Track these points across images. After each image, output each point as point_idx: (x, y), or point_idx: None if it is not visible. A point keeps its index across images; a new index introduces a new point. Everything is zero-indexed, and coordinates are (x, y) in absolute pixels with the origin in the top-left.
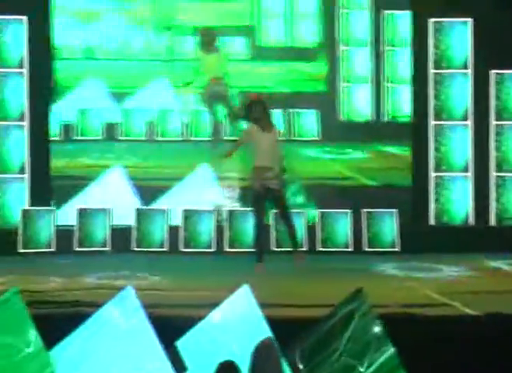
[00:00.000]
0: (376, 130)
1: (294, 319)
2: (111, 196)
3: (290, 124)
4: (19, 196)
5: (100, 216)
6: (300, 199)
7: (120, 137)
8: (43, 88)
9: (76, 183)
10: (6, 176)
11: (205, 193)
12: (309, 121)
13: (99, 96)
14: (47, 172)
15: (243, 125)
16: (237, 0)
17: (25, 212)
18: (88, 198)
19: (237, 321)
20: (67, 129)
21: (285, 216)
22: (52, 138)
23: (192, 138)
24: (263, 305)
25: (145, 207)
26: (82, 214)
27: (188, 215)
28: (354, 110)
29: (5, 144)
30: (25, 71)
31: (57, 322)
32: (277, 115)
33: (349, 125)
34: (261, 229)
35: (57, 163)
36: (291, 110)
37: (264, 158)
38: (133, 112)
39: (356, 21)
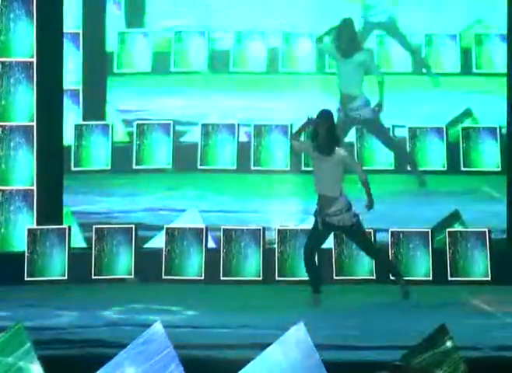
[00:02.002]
0: None
1: (359, 364)
2: None
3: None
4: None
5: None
6: None
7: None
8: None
9: None
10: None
11: None
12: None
13: None
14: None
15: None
16: None
17: (31, 232)
18: None
19: (290, 365)
20: None
21: (370, 251)
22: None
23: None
24: (321, 347)
25: (178, 226)
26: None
27: (229, 236)
28: None
29: None
30: None
31: (71, 364)
32: None
33: None
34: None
35: None
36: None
37: (325, 187)
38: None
39: None
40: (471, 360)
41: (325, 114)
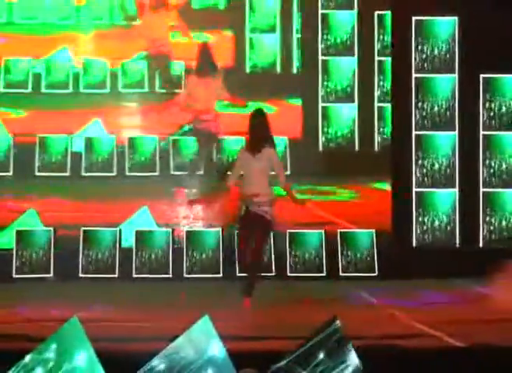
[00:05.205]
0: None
1: (259, 353)
2: None
3: None
4: None
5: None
6: None
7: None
8: None
9: None
10: None
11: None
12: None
13: None
14: None
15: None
16: None
17: None
18: None
19: (196, 356)
20: None
21: (256, 249)
22: None
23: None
24: (225, 338)
25: (93, 228)
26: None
27: (142, 236)
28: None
29: None
30: None
31: None
32: None
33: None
34: (245, 258)
35: None
36: None
37: (252, 185)
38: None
39: None
40: (359, 347)
41: (255, 113)
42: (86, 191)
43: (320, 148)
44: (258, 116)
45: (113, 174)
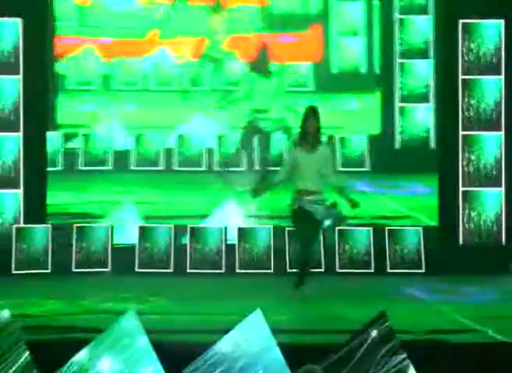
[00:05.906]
0: None
1: (310, 346)
2: None
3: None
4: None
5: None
6: None
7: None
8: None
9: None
10: None
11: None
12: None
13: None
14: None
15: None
16: None
17: (19, 229)
18: None
19: (248, 348)
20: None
21: (306, 252)
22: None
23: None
24: (276, 331)
25: (149, 225)
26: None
27: (196, 233)
28: None
29: None
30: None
31: (53, 348)
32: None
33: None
34: (306, 252)
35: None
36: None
37: (306, 181)
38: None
39: None
40: (406, 342)
41: (312, 110)
42: (178, 185)
43: (397, 145)
44: (315, 113)
45: (203, 169)
